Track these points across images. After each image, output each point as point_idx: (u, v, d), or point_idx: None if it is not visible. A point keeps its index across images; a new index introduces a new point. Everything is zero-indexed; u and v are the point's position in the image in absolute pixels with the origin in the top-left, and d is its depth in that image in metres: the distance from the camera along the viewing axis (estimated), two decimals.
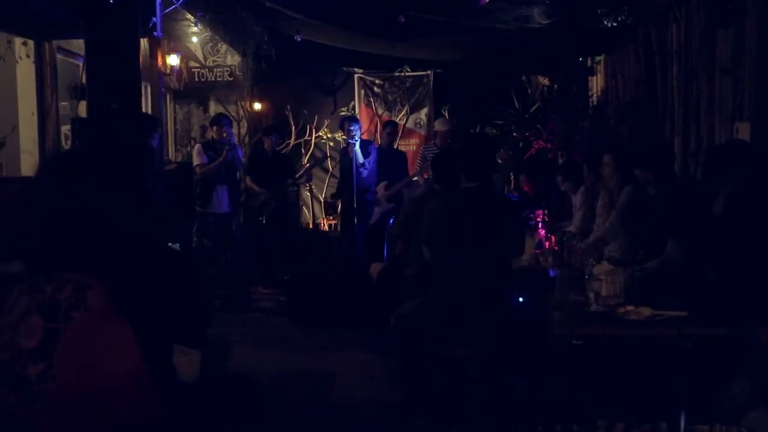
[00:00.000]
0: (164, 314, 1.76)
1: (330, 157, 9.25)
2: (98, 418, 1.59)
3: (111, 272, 1.67)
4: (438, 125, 7.58)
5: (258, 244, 7.62)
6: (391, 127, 7.83)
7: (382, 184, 7.26)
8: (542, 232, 5.03)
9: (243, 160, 7.38)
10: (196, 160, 6.74)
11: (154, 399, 1.68)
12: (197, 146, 7.07)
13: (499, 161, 8.13)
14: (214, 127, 6.88)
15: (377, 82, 9.72)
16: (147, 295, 1.72)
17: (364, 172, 7.05)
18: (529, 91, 8.66)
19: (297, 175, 7.79)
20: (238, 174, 7.26)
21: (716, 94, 4.90)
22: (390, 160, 7.40)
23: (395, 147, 8.23)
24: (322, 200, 9.38)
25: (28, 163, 6.18)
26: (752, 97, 4.38)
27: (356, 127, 7.14)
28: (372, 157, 7.15)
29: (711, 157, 3.34)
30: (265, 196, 7.36)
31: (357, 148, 6.98)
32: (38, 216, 1.75)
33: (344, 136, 7.30)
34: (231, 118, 7.35)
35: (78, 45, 6.52)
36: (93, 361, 1.57)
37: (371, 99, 9.73)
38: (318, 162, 8.80)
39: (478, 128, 8.93)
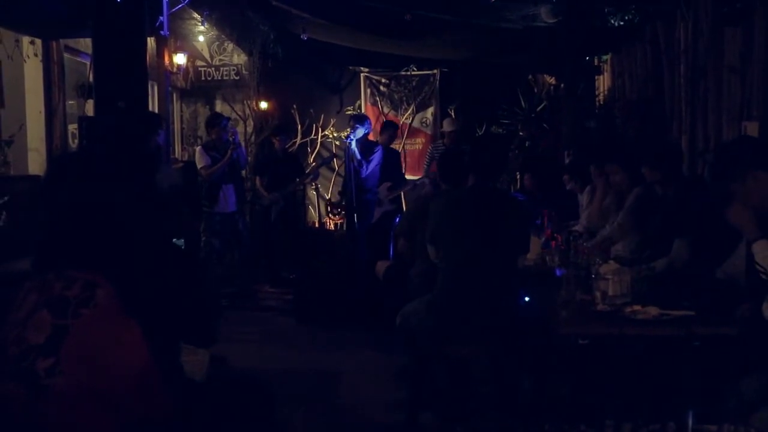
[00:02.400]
0: (171, 312, 1.77)
1: (336, 156, 9.25)
2: (106, 414, 1.60)
3: (118, 270, 1.68)
4: (446, 125, 7.66)
5: (264, 243, 7.61)
6: (391, 129, 7.53)
7: (384, 185, 7.21)
8: (549, 231, 5.02)
9: (248, 158, 7.34)
10: (199, 162, 6.63)
11: (161, 396, 1.69)
12: (198, 148, 6.99)
13: None
14: (215, 128, 6.75)
15: (383, 81, 9.71)
16: (153, 294, 1.73)
17: (363, 172, 7.00)
18: (536, 90, 8.64)
19: (305, 174, 7.78)
20: (243, 172, 7.23)
21: (724, 92, 4.88)
22: (387, 160, 7.27)
23: (391, 146, 8.01)
24: (328, 199, 9.38)
25: (36, 162, 6.20)
26: (760, 96, 4.37)
27: (358, 125, 7.02)
28: (375, 157, 7.07)
29: (721, 154, 3.31)
30: (273, 200, 7.34)
31: (353, 146, 6.91)
32: (46, 214, 1.76)
33: None
34: (226, 116, 7.27)
35: (85, 44, 6.54)
36: (100, 357, 1.58)
37: (377, 98, 9.73)
38: (325, 161, 8.80)
39: (484, 127, 8.92)
